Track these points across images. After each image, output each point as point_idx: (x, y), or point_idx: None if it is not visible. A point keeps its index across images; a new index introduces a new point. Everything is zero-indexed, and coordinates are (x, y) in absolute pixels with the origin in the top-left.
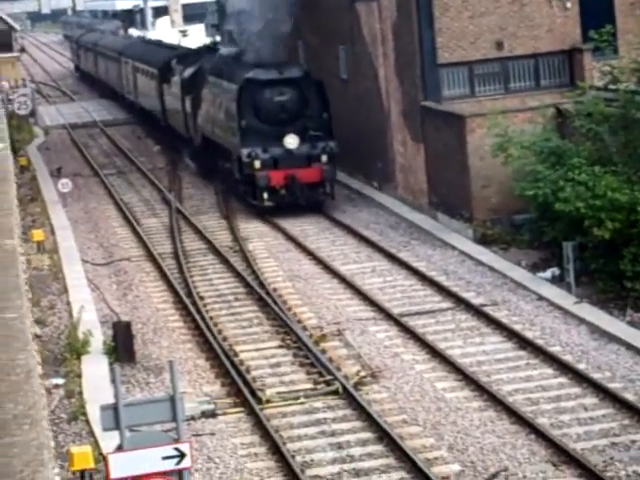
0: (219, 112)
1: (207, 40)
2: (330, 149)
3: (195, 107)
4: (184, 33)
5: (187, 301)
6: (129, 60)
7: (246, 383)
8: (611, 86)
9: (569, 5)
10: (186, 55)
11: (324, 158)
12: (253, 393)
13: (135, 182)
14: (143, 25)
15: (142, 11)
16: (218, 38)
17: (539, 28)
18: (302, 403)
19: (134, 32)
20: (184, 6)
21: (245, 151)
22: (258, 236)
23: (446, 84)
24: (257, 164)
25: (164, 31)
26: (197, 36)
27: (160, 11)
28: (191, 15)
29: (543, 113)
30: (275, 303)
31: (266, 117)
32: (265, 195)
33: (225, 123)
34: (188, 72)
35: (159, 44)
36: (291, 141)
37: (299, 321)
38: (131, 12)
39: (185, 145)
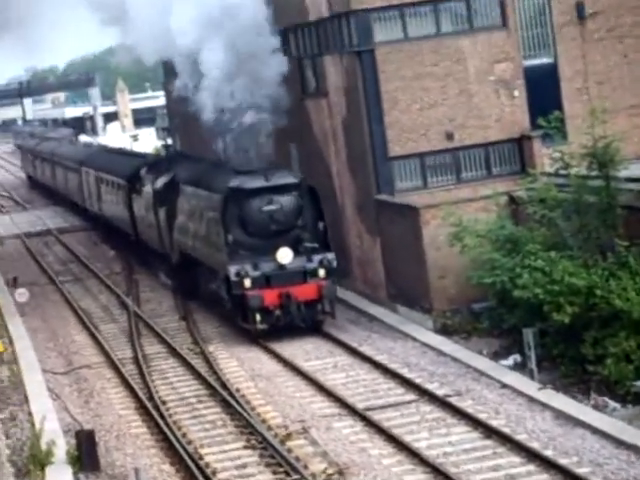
0: (199, 225)
1: (158, 143)
2: (328, 262)
3: (170, 220)
4: (135, 137)
5: (149, 406)
6: (91, 170)
7: None
8: (562, 171)
9: (516, 94)
10: (156, 163)
11: (322, 273)
12: None
13: (92, 288)
14: (94, 131)
15: (92, 118)
16: (169, 141)
17: (488, 118)
18: None
19: (85, 138)
20: (133, 111)
21: (233, 269)
22: (218, 336)
23: (398, 177)
24: (247, 283)
25: (115, 136)
26: (148, 140)
27: (110, 117)
28: (140, 119)
29: (496, 201)
30: (238, 403)
31: (255, 230)
32: (258, 317)
33: (207, 238)
34: (160, 182)
35: (124, 152)
36: (284, 255)
37: (263, 420)
38: (81, 119)
39: (160, 262)
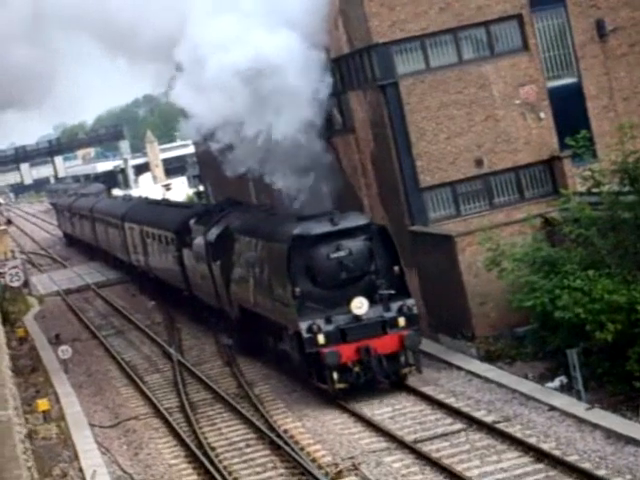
0: (261, 278)
1: (191, 191)
2: (408, 309)
3: (227, 274)
4: (167, 187)
5: (199, 453)
6: (134, 225)
7: None
8: (594, 190)
9: (543, 115)
10: (206, 213)
11: (402, 321)
12: None
13: (134, 340)
14: (126, 184)
15: (123, 171)
16: (201, 188)
17: (516, 142)
18: None
19: (118, 192)
20: (164, 161)
21: (304, 325)
22: (262, 379)
23: (431, 207)
24: (321, 339)
25: (147, 187)
26: (180, 188)
27: (141, 168)
28: (171, 169)
29: (531, 224)
30: (287, 444)
31: (324, 279)
32: (335, 376)
33: (271, 291)
34: (213, 233)
35: (167, 203)
36: (359, 305)
37: (313, 460)
38: (112, 173)
39: (218, 318)
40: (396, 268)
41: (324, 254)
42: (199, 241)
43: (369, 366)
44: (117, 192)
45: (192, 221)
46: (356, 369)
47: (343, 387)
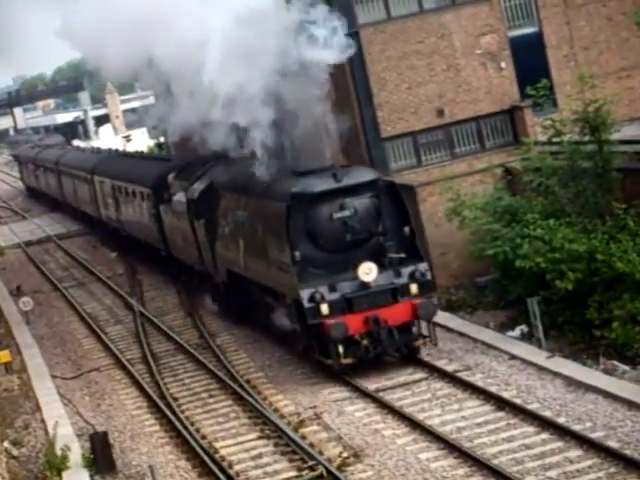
0: (253, 241)
1: (151, 142)
2: (421, 275)
3: (212, 234)
4: (128, 138)
5: (161, 404)
6: (105, 179)
7: (230, 479)
8: (555, 139)
9: (503, 65)
10: (186, 167)
11: (414, 288)
12: None
13: (96, 291)
14: (86, 135)
15: (83, 122)
16: (162, 139)
17: (477, 91)
18: None
19: (78, 143)
20: (124, 112)
21: (305, 293)
22: (225, 330)
23: (392, 157)
24: (325, 309)
25: (108, 138)
26: (141, 140)
27: (101, 120)
28: (132, 121)
29: (492, 173)
30: (249, 395)
31: (327, 242)
32: (341, 350)
33: (265, 255)
34: (195, 189)
35: (142, 156)
36: (367, 271)
37: (275, 410)
38: (73, 124)
39: (200, 281)
40: (406, 229)
41: (326, 214)
42: (179, 197)
43: (379, 339)
44: (78, 143)
45: (171, 176)
46: (364, 342)
47: (350, 362)
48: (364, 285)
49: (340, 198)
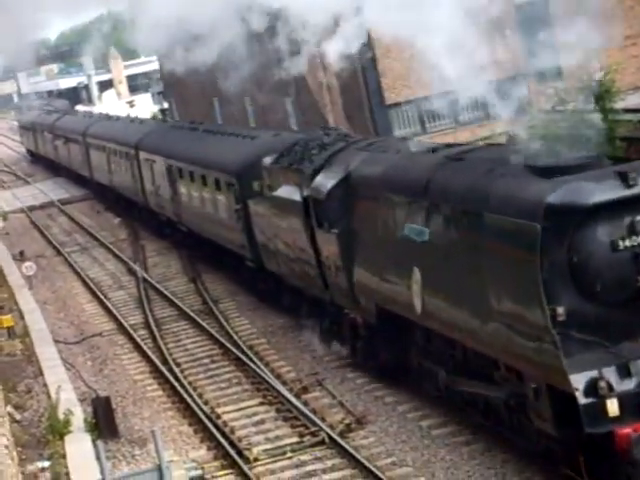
0: (446, 274)
1: (155, 108)
2: None
3: (348, 252)
4: (131, 104)
5: (163, 369)
6: (156, 157)
7: (232, 444)
8: (559, 108)
9: (508, 33)
10: (293, 148)
11: None
12: (240, 453)
13: (99, 257)
14: (90, 100)
15: (87, 87)
16: (166, 105)
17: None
18: (290, 457)
19: (81, 108)
20: (128, 77)
21: (581, 379)
22: (228, 296)
23: (396, 124)
24: (613, 407)
25: (111, 104)
26: (144, 105)
27: (105, 85)
28: (136, 85)
29: (496, 141)
30: (252, 361)
31: (609, 289)
32: None
33: (481, 303)
34: (322, 184)
35: (207, 129)
36: None
37: (278, 376)
38: (76, 89)
39: (313, 307)
40: None
41: (607, 241)
42: (287, 193)
43: None
44: (81, 108)
45: (268, 160)
46: None
47: None
48: None
49: (630, 214)
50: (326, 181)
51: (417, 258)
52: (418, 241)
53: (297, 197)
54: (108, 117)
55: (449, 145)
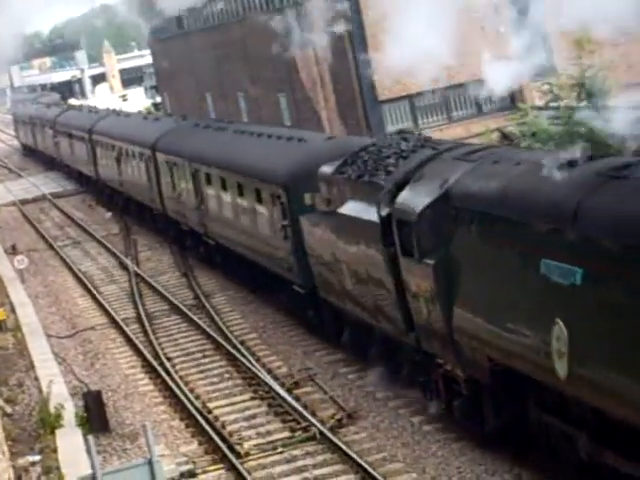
0: (619, 339)
1: (148, 102)
2: None
3: (446, 288)
4: (124, 97)
5: (155, 363)
6: (178, 159)
7: (223, 439)
8: (552, 104)
9: (502, 29)
10: (360, 154)
11: None
12: (231, 448)
13: (91, 250)
14: (82, 94)
15: (80, 81)
16: (159, 99)
17: (475, 55)
18: (281, 452)
19: (74, 102)
20: (121, 71)
21: None
22: (219, 290)
23: (389, 120)
24: None
25: (104, 97)
26: (137, 99)
27: (97, 79)
28: (129, 79)
29: (488, 138)
30: (243, 355)
31: None
32: None
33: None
34: (411, 203)
35: (237, 129)
36: None
37: (269, 371)
38: (69, 83)
39: (394, 351)
40: None
41: None
42: (355, 210)
43: None
44: (73, 102)
45: (328, 169)
46: None
47: None
48: None
49: None
50: (416, 199)
51: (561, 307)
52: (564, 284)
53: (372, 217)
54: (117, 113)
55: (591, 157)
